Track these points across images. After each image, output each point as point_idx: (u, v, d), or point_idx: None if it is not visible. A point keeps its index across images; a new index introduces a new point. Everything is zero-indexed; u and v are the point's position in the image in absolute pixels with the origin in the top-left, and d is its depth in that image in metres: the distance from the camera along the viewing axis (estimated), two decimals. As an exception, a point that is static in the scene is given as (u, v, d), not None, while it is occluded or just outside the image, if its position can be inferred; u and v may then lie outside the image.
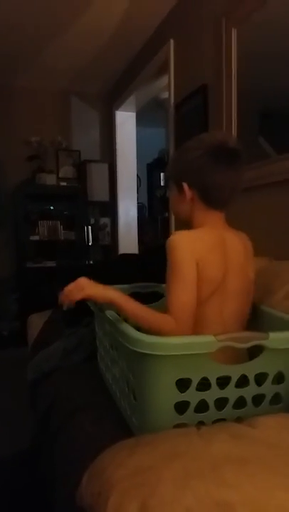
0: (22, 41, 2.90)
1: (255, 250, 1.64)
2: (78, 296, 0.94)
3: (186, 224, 1.08)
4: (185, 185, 1.03)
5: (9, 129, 3.65)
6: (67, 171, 3.85)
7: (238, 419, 0.89)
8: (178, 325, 0.91)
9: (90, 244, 3.86)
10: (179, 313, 0.92)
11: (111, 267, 2.29)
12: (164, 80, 2.89)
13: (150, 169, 5.16)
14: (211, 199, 1.02)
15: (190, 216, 1.06)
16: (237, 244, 1.05)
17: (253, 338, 0.85)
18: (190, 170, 1.02)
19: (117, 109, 3.69)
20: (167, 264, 0.96)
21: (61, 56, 3.16)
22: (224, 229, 1.06)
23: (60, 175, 3.79)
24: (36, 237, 3.61)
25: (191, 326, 0.94)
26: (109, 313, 1.00)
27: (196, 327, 0.97)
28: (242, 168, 1.02)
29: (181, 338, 0.82)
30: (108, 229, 4.00)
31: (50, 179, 3.60)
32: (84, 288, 0.94)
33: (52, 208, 3.72)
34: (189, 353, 0.81)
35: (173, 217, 2.64)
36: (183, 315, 0.92)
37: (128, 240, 3.90)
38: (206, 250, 0.96)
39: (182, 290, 0.93)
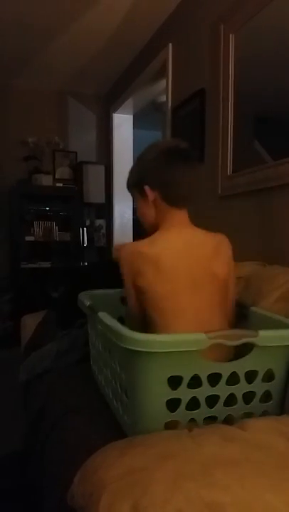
0: (20, 41, 2.90)
1: (248, 255, 1.66)
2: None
3: (153, 229, 1.13)
4: (146, 187, 1.09)
5: (6, 128, 3.65)
6: (63, 172, 3.85)
7: (229, 417, 0.90)
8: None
9: (84, 245, 3.86)
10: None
11: (105, 269, 2.29)
12: (161, 84, 2.91)
13: (146, 172, 5.17)
14: (172, 196, 1.08)
15: (155, 219, 1.12)
16: (201, 241, 1.10)
17: (243, 336, 0.86)
18: (149, 171, 1.10)
19: (114, 111, 3.70)
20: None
21: (59, 57, 3.16)
22: (188, 227, 1.11)
23: (56, 176, 3.79)
24: (31, 238, 3.60)
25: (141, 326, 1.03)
26: (102, 314, 1.01)
27: (170, 317, 1.02)
28: (195, 167, 1.13)
29: (172, 335, 0.83)
30: (103, 230, 4.00)
31: (46, 180, 3.59)
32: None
33: (47, 208, 3.72)
34: (180, 350, 0.82)
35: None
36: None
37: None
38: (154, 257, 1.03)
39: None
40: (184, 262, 1.04)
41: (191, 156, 1.11)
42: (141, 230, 1.23)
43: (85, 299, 1.23)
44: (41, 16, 2.56)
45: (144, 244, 1.05)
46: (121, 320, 1.39)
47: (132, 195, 1.18)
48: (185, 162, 1.08)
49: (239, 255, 1.36)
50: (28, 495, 1.29)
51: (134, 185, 1.15)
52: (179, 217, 1.10)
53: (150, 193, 1.09)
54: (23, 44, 2.95)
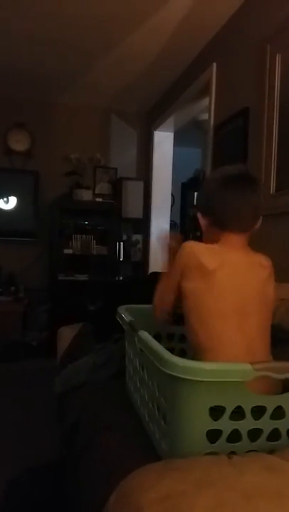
0: (67, 61, 3.02)
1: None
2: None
3: None
4: (198, 214, 1.14)
5: (50, 145, 3.78)
6: (103, 187, 3.93)
7: (271, 452, 0.85)
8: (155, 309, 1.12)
9: (121, 259, 3.89)
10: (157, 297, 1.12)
11: (142, 284, 2.30)
12: (204, 102, 2.93)
13: (184, 188, 5.18)
14: (221, 221, 1.07)
15: (213, 242, 1.11)
16: (256, 265, 1.08)
17: None
18: (202, 199, 1.15)
19: (155, 128, 3.75)
20: None
21: (104, 76, 3.26)
22: (241, 250, 1.08)
23: (96, 191, 3.87)
24: (70, 251, 3.67)
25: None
26: (142, 333, 0.99)
27: (214, 342, 0.97)
28: (254, 191, 1.09)
29: (216, 364, 0.80)
30: (140, 245, 4.02)
31: (86, 195, 3.68)
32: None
33: (86, 222, 3.79)
34: (224, 380, 0.79)
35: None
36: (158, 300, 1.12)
37: (159, 258, 3.90)
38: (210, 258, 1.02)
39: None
40: (235, 282, 1.01)
41: (249, 182, 1.08)
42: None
43: (125, 313, 1.22)
44: (88, 37, 2.65)
45: (206, 254, 1.03)
46: (158, 337, 1.39)
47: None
48: (242, 187, 1.06)
49: (280, 276, 1.32)
50: (62, 508, 1.29)
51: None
52: (234, 240, 1.07)
53: (201, 219, 1.13)
54: (69, 64, 3.06)
